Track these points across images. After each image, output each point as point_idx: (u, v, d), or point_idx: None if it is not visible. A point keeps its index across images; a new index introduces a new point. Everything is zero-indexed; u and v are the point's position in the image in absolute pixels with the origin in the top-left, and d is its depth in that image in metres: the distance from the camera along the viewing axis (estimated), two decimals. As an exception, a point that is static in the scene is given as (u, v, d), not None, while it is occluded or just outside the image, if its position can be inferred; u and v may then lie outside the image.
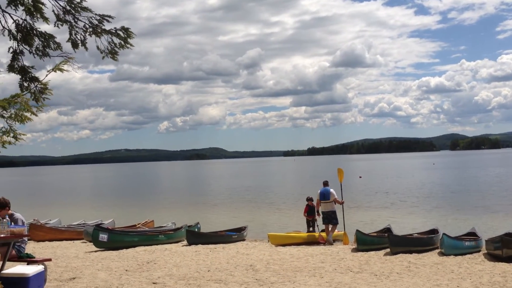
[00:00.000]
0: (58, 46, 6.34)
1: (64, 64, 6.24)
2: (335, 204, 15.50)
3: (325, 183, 15.77)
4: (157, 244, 14.94)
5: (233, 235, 16.26)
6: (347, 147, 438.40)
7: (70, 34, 6.24)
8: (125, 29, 6.36)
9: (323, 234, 15.49)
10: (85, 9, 6.14)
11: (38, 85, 6.34)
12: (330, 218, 15.36)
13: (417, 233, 15.25)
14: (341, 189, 16.06)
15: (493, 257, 11.65)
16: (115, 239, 14.50)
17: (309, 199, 16.21)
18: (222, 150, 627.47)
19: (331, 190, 15.54)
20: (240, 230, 17.10)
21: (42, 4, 6.02)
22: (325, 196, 15.45)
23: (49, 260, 8.85)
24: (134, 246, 14.41)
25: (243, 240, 16.39)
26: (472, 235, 14.31)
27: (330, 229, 15.37)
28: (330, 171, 79.43)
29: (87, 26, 6.24)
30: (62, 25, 6.14)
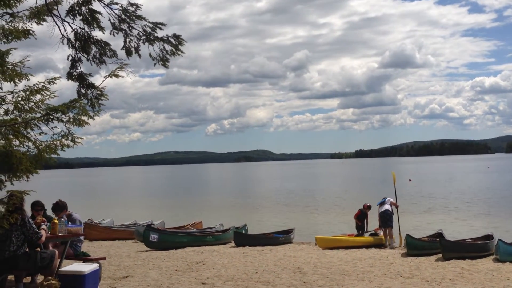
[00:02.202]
0: (114, 53, 6.58)
1: (119, 70, 6.47)
2: (391, 206, 15.84)
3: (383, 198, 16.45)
4: (205, 245, 15.15)
5: (281, 237, 16.28)
6: (396, 149, 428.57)
7: (125, 42, 6.46)
8: (177, 36, 6.51)
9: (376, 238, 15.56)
10: (140, 17, 6.33)
11: (94, 92, 6.60)
12: (385, 220, 15.42)
13: (470, 239, 14.78)
14: (395, 193, 16.59)
15: (553, 265, 11.11)
16: (165, 239, 14.82)
17: (367, 207, 16.48)
18: (269, 153, 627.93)
19: (388, 197, 16.23)
20: (287, 232, 17.09)
21: (99, 13, 6.26)
22: (380, 201, 16.12)
23: (104, 258, 9.16)
24: (183, 247, 14.66)
25: (290, 242, 16.37)
26: (530, 241, 13.70)
27: (388, 233, 15.49)
28: (378, 174, 78.01)
29: (141, 34, 6.44)
30: (117, 33, 6.36)
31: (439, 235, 15.05)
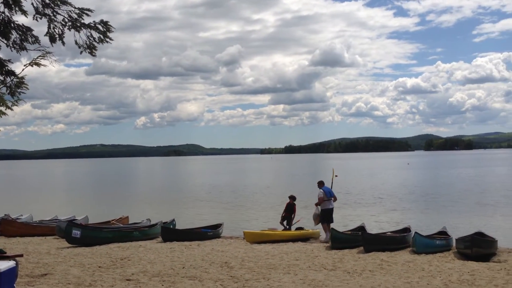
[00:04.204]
0: (36, 39, 6.25)
1: (41, 58, 6.15)
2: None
3: (322, 183, 16.15)
4: (131, 241, 14.84)
5: (209, 232, 16.27)
6: (324, 146, 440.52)
7: (49, 28, 6.15)
8: (104, 23, 6.29)
9: (296, 232, 15.84)
10: (65, 2, 6.05)
11: (14, 79, 6.23)
12: (330, 217, 15.72)
13: (390, 232, 15.52)
14: (331, 187, 16.77)
15: (462, 256, 11.94)
16: (89, 235, 14.36)
17: (291, 197, 16.62)
18: (200, 147, 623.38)
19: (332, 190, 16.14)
20: (215, 227, 17.11)
21: None
22: (330, 193, 15.91)
23: (21, 256, 8.70)
24: (108, 243, 14.29)
25: (219, 237, 16.40)
26: (443, 234, 14.62)
27: (327, 227, 15.72)
28: (306, 169, 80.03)
29: (66, 20, 6.16)
30: (40, 18, 6.04)
31: (361, 228, 15.70)
